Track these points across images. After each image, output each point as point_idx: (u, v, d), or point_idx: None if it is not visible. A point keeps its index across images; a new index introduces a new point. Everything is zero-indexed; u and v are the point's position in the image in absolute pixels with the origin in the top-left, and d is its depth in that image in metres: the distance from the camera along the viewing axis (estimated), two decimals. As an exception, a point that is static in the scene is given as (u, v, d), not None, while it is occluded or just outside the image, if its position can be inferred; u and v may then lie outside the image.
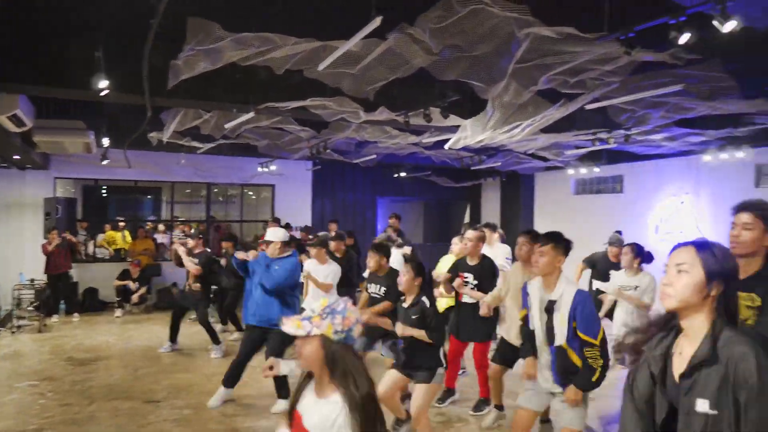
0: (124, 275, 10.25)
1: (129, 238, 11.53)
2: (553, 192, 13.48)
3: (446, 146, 6.77)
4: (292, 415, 2.02)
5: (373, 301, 5.22)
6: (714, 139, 8.53)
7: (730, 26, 3.41)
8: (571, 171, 11.90)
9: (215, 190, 13.02)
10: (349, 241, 8.93)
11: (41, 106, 7.08)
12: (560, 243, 3.29)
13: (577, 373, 3.12)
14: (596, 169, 11.18)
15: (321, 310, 1.92)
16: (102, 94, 5.15)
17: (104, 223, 12.31)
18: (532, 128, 6.63)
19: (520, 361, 3.85)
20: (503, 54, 4.65)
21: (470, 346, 5.36)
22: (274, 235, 5.41)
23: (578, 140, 9.00)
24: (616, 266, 6.32)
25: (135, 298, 10.19)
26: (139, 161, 10.85)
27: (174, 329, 7.44)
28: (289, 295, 5.34)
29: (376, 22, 3.70)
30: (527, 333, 3.50)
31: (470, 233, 5.18)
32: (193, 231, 11.14)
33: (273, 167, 10.91)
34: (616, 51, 4.51)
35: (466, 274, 5.19)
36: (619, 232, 7.51)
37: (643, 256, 5.58)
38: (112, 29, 4.98)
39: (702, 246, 1.78)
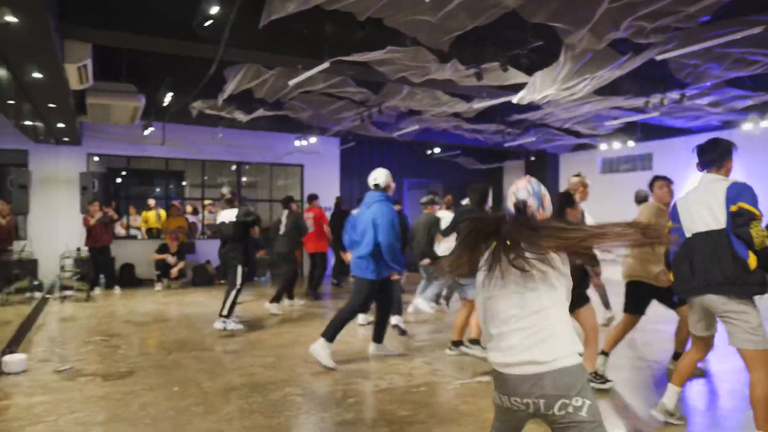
0: (163, 249, 10.15)
1: (164, 217, 11.38)
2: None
3: (515, 99, 6.77)
4: None
5: None
6: (759, 104, 8.61)
7: None
8: (604, 146, 11.95)
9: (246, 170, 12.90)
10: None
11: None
12: None
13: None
14: (630, 143, 11.24)
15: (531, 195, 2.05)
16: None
17: (129, 203, 12.19)
18: (593, 84, 6.66)
19: None
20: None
21: None
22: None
23: (621, 111, 9.07)
24: None
25: (174, 272, 10.09)
26: (172, 138, 10.82)
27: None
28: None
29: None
30: None
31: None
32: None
33: (313, 140, 10.84)
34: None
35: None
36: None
37: None
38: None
39: None
